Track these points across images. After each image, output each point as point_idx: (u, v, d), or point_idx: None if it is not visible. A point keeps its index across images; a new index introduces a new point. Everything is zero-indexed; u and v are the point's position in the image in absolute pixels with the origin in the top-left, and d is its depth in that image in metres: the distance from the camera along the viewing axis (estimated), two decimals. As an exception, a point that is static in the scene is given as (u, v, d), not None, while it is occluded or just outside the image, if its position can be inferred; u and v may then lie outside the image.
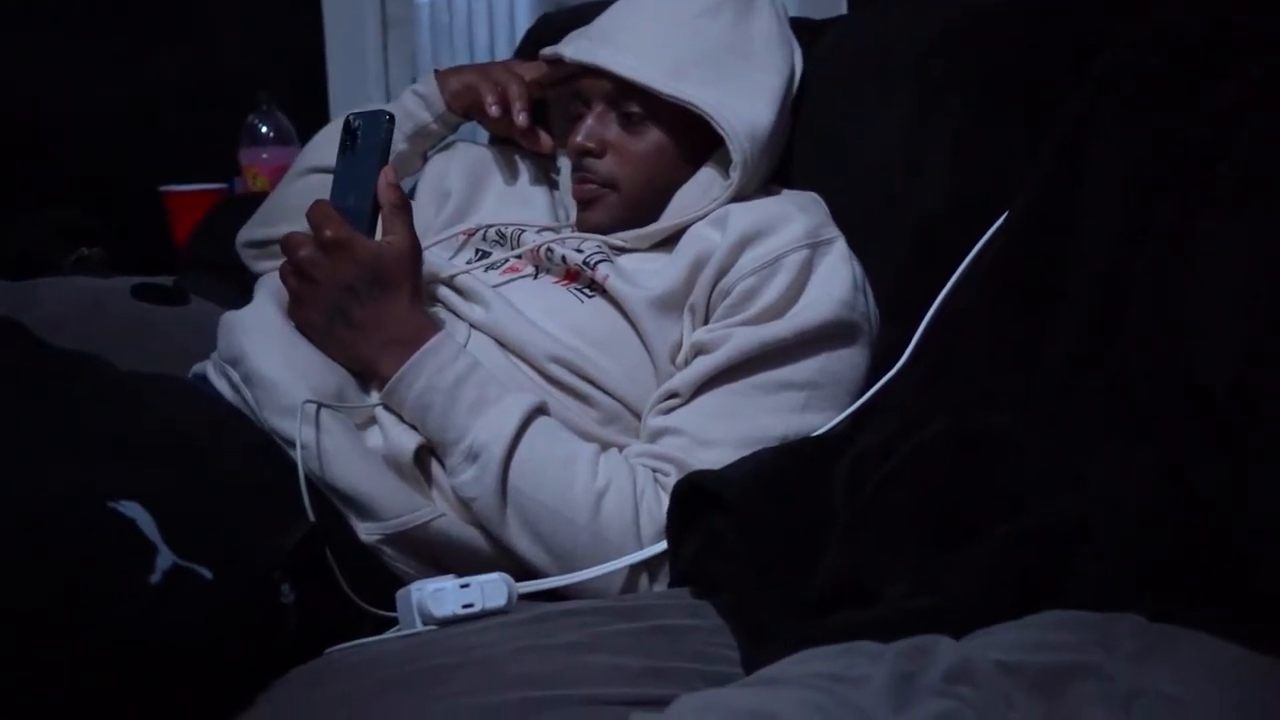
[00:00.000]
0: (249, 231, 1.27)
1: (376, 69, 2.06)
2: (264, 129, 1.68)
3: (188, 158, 1.83)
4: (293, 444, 0.87)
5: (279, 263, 1.23)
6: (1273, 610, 0.68)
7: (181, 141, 1.92)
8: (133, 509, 0.65)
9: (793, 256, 0.97)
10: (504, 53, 1.73)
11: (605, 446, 0.95)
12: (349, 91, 2.07)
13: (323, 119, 2.09)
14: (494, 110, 1.13)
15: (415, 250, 0.95)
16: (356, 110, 1.00)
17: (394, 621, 0.83)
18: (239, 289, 1.34)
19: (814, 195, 1.06)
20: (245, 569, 0.70)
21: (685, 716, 0.58)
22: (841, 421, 0.94)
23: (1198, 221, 0.77)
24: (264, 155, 1.67)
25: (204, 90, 2.00)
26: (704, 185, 1.07)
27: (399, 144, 1.16)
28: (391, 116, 0.96)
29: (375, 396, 0.93)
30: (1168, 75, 0.83)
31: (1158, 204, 0.81)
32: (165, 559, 0.64)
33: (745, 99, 1.06)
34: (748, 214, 1.01)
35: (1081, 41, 0.90)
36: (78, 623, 0.60)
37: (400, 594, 0.81)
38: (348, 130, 0.97)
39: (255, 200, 1.44)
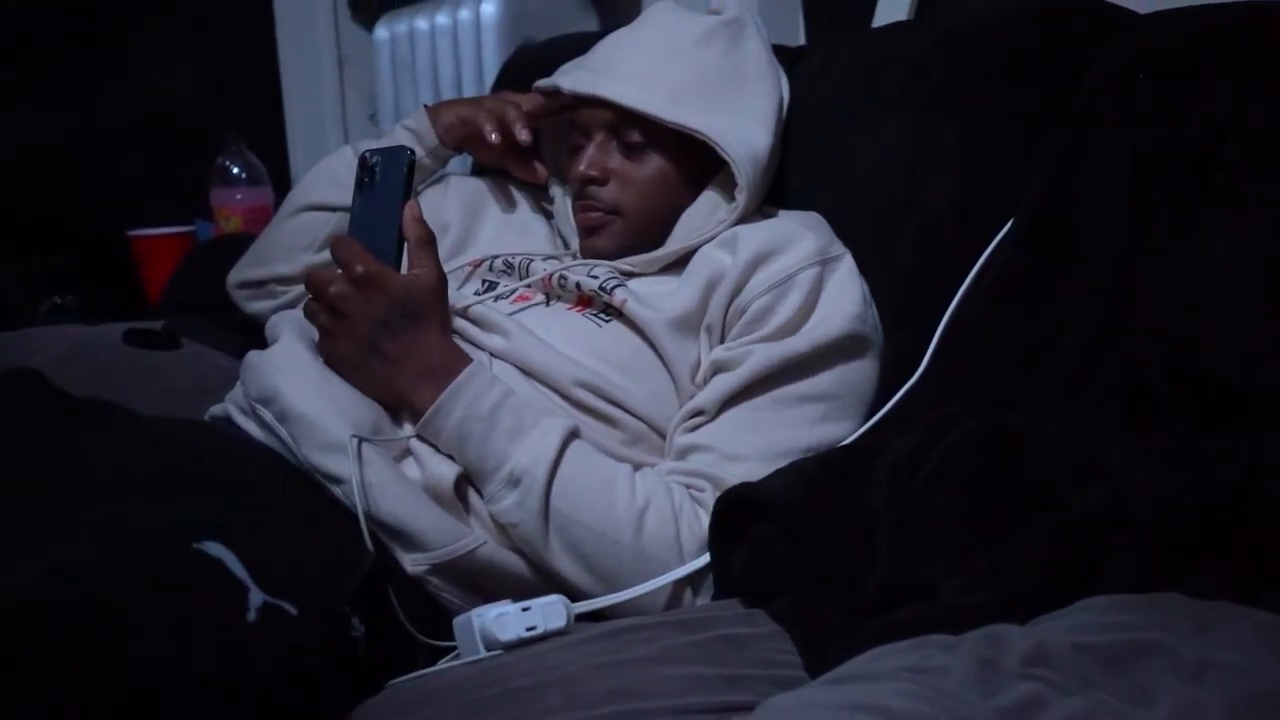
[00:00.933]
0: (241, 272, 1.26)
1: (334, 107, 2.06)
2: (235, 169, 1.67)
3: (146, 200, 1.80)
4: (333, 480, 0.87)
5: (273, 303, 1.23)
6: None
7: (139, 184, 1.89)
8: (217, 549, 0.65)
9: (804, 274, 1.01)
10: (470, 88, 1.74)
11: (636, 467, 0.97)
12: (307, 129, 2.06)
13: (282, 157, 2.08)
14: (494, 137, 1.15)
15: (443, 282, 0.96)
16: (371, 147, 1.01)
17: (447, 651, 0.84)
18: (231, 330, 1.33)
19: (816, 215, 1.10)
20: (323, 603, 0.70)
21: (788, 715, 0.60)
22: (867, 430, 0.97)
23: (1196, 219, 0.83)
24: (237, 196, 1.65)
25: (159, 132, 1.97)
26: (708, 208, 1.11)
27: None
28: (413, 151, 0.97)
29: (409, 428, 0.94)
30: (1161, 85, 0.89)
31: (1157, 206, 0.87)
32: (257, 597, 0.64)
33: (744, 123, 1.10)
34: (757, 235, 1.04)
35: (1073, 56, 0.96)
36: (180, 666, 0.59)
37: (459, 621, 0.82)
38: (364, 167, 0.98)
39: (237, 241, 1.43)
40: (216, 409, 1.00)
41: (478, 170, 1.34)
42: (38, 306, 1.47)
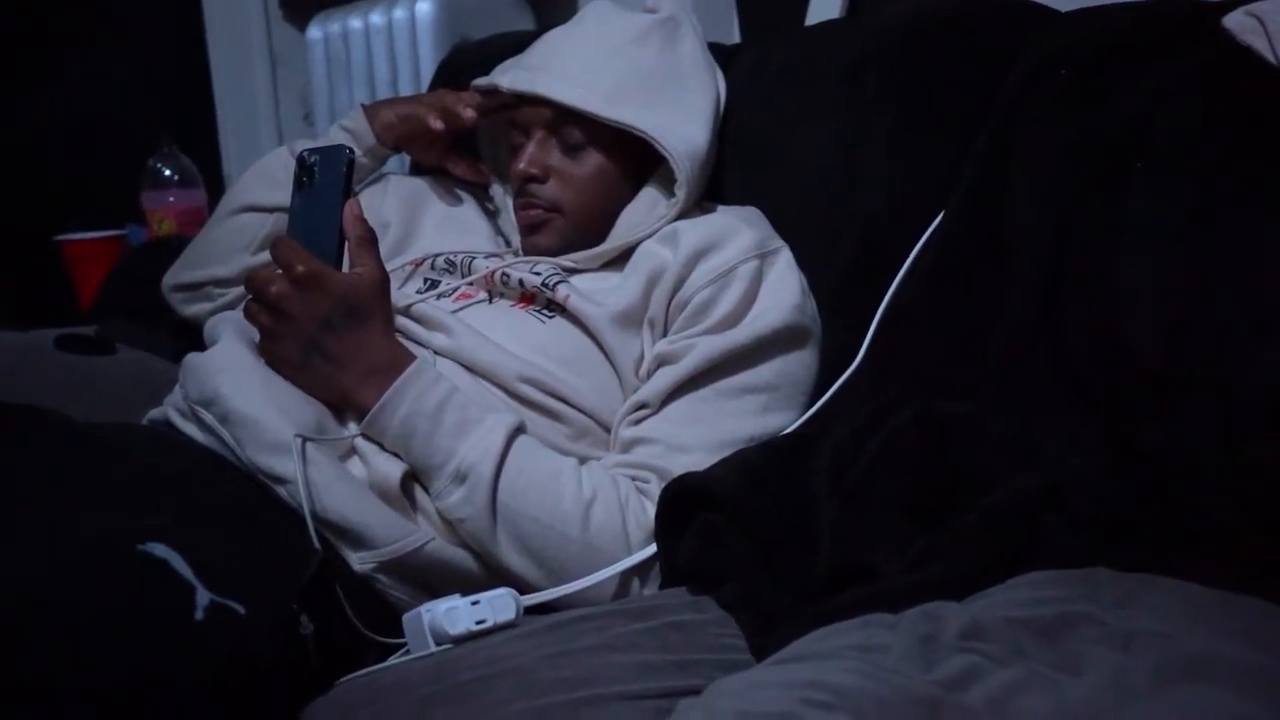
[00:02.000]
0: (177, 275, 1.25)
1: (267, 107, 2.03)
2: (167, 172, 1.64)
3: (77, 203, 1.77)
4: (278, 480, 0.86)
5: (210, 305, 1.22)
6: (1218, 550, 0.76)
7: (70, 188, 1.85)
8: (162, 550, 0.64)
9: (744, 267, 1.03)
10: (407, 87, 1.73)
11: (582, 460, 0.98)
12: (240, 130, 2.04)
13: (215, 158, 2.05)
14: (437, 124, 1.15)
15: (385, 280, 0.96)
16: (310, 146, 1.01)
17: (397, 649, 0.84)
18: (166, 334, 1.31)
19: (755, 209, 1.12)
20: (270, 602, 0.70)
21: (741, 695, 0.62)
22: (808, 419, 0.99)
23: (1118, 208, 0.86)
24: (170, 198, 1.63)
25: (89, 135, 1.93)
26: (648, 205, 1.12)
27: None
28: (352, 150, 0.96)
29: (353, 427, 0.93)
30: (1081, 78, 0.92)
31: (1082, 195, 0.90)
32: (204, 596, 0.63)
33: (683, 120, 1.11)
34: (697, 229, 1.06)
35: (999, 53, 0.99)
36: (130, 668, 0.59)
37: (408, 617, 0.82)
38: (303, 166, 0.97)
39: (171, 244, 1.41)
40: (155, 413, 0.98)
41: (417, 171, 1.34)
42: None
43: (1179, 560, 0.75)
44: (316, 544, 0.81)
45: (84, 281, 1.60)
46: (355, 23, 1.82)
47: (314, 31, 1.89)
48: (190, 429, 0.93)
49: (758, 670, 0.66)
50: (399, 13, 1.73)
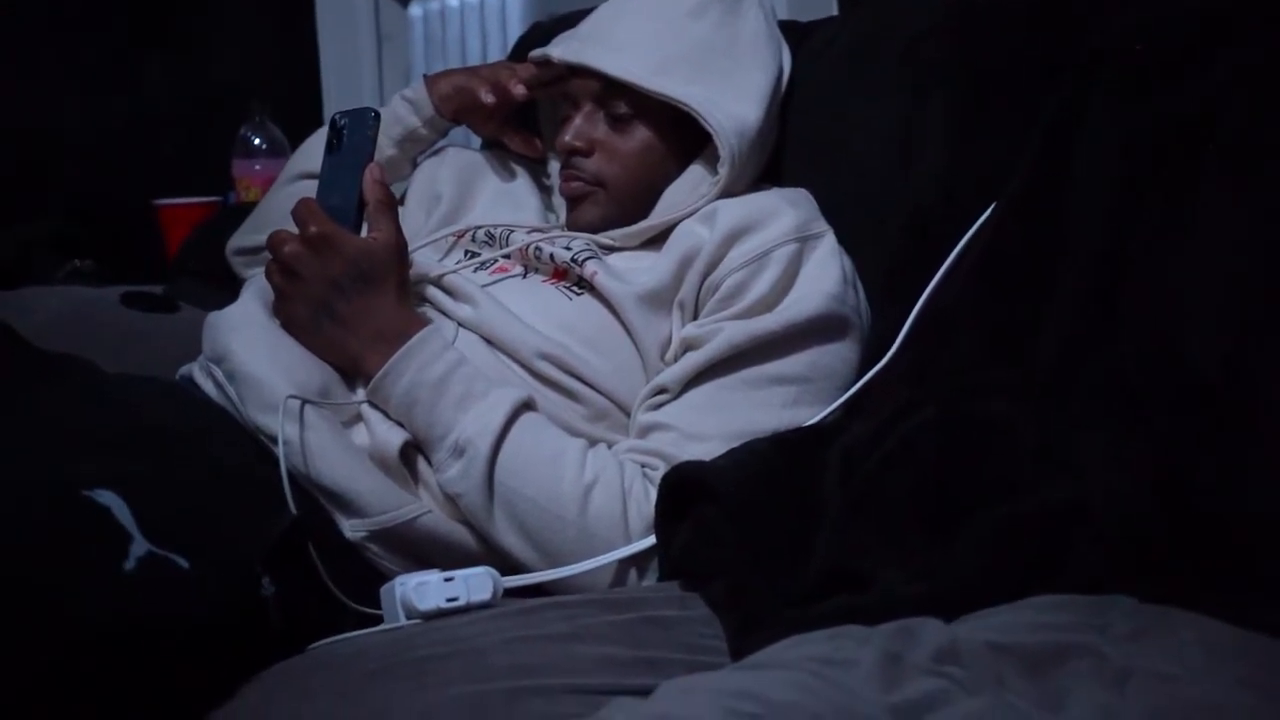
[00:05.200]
0: (238, 239, 1.27)
1: (371, 83, 2.07)
2: (256, 140, 1.68)
3: (183, 171, 1.83)
4: (274, 440, 0.86)
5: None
6: (1270, 594, 0.67)
7: (176, 155, 1.92)
8: (107, 497, 0.64)
9: (781, 250, 0.97)
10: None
11: (594, 443, 0.94)
12: (344, 104, 2.07)
13: (318, 134, 2.10)
14: (488, 98, 1.13)
15: (401, 246, 0.94)
16: (343, 109, 1.00)
17: (379, 619, 0.82)
18: (229, 297, 1.34)
19: (803, 191, 1.06)
20: (224, 560, 0.69)
21: (670, 699, 0.57)
22: (832, 413, 0.93)
23: (1187, 206, 0.77)
24: (256, 166, 1.67)
25: (199, 104, 2.00)
26: (692, 183, 1.07)
27: (388, 149, 1.16)
28: (377, 113, 0.95)
29: (361, 394, 0.92)
30: (1153, 63, 0.83)
31: (1147, 189, 0.81)
32: (140, 546, 0.63)
33: (732, 96, 1.06)
34: (736, 209, 1.00)
35: (1067, 32, 0.90)
36: (46, 609, 0.59)
37: (384, 589, 0.80)
38: (334, 129, 0.97)
39: (247, 211, 1.44)
40: (185, 369, 1.00)
41: (483, 143, 1.32)
42: (57, 270, 1.50)
43: (1217, 599, 0.66)
44: (293, 506, 0.79)
45: (176, 245, 1.65)
46: (453, 1, 1.83)
47: (415, 9, 1.91)
48: (207, 386, 0.93)
49: (706, 675, 0.61)
50: (493, -11, 1.73)
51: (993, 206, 0.91)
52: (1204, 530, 0.70)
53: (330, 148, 0.97)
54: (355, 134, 0.95)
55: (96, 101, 1.95)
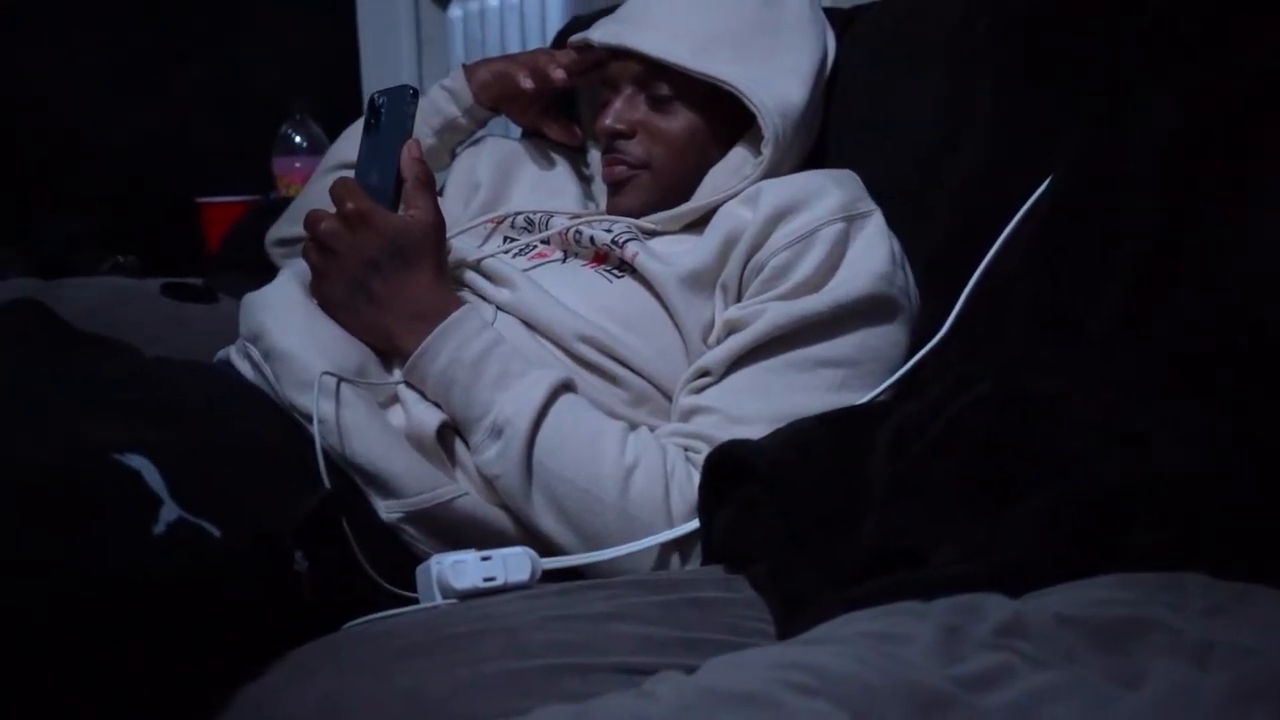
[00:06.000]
0: (277, 230, 1.26)
1: (411, 83, 2.07)
2: (297, 138, 1.69)
3: (226, 170, 1.85)
4: (309, 419, 0.84)
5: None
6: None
7: (219, 154, 1.94)
8: (138, 461, 0.63)
9: (828, 230, 0.94)
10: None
11: (635, 427, 0.92)
12: (384, 107, 2.08)
13: (357, 134, 2.11)
14: (527, 83, 1.11)
15: (439, 224, 0.93)
16: (381, 89, 0.99)
17: (414, 602, 0.80)
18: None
19: (849, 171, 1.03)
20: (256, 531, 0.67)
21: (717, 672, 0.54)
22: (881, 394, 0.90)
23: (1255, 162, 0.73)
24: (297, 164, 1.67)
25: (241, 104, 2.02)
26: (736, 165, 1.05)
27: (427, 139, 1.15)
28: (416, 91, 0.94)
29: (398, 375, 0.90)
30: (1210, 30, 0.80)
31: (1207, 157, 0.77)
32: (171, 511, 0.61)
33: (776, 76, 1.04)
34: (781, 189, 0.98)
35: (1123, 3, 0.87)
36: (73, 567, 0.57)
37: (420, 569, 0.78)
38: (372, 109, 0.96)
39: (287, 204, 1.44)
40: (221, 353, 0.99)
41: (523, 132, 1.31)
42: (99, 265, 1.51)
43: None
44: (327, 482, 0.78)
45: (218, 242, 1.66)
46: (492, 1, 1.83)
47: (455, 10, 1.92)
48: (244, 367, 0.92)
49: (755, 650, 0.58)
50: (531, -12, 1.73)
51: (1048, 180, 0.88)
52: (1274, 504, 0.66)
53: (368, 128, 0.96)
54: (393, 112, 0.94)
55: (141, 100, 1.97)
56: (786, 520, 0.74)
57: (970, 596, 0.59)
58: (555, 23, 1.70)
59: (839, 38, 1.12)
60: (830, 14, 1.15)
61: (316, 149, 1.66)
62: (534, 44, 1.74)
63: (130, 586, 0.58)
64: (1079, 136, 0.86)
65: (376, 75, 2.04)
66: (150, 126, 1.96)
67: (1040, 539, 0.67)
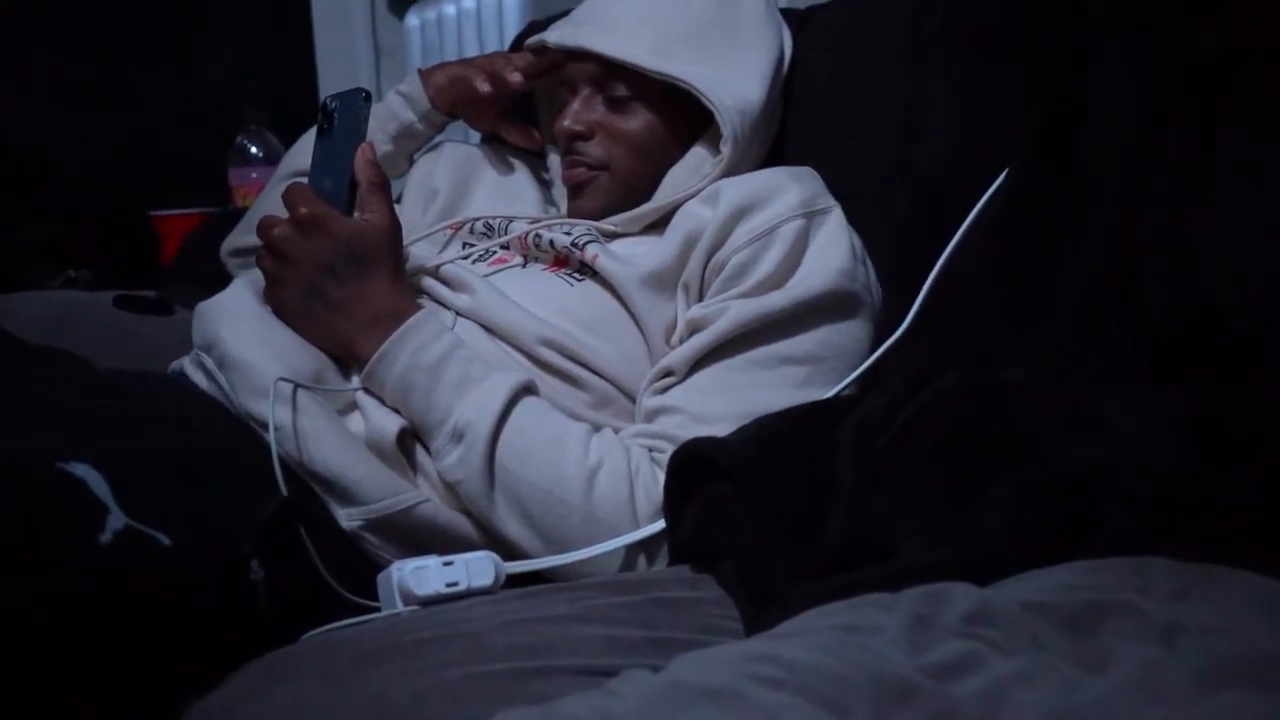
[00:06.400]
0: (233, 240, 1.24)
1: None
2: (253, 149, 1.66)
3: (181, 183, 1.82)
4: (265, 427, 0.82)
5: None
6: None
7: (174, 167, 1.91)
8: (83, 469, 0.61)
9: (788, 226, 0.94)
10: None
11: (598, 429, 0.91)
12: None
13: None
14: (484, 87, 1.10)
15: (395, 228, 0.91)
16: (334, 93, 0.97)
17: (375, 610, 0.78)
18: (224, 297, 1.31)
19: (808, 168, 1.03)
20: (209, 539, 0.65)
21: (684, 667, 0.53)
22: (845, 389, 0.89)
23: (1211, 146, 0.74)
24: (253, 175, 1.65)
25: (197, 117, 1.99)
26: (695, 164, 1.04)
27: (383, 145, 1.14)
28: (368, 93, 0.93)
29: (356, 381, 0.89)
30: (1167, 7, 0.80)
31: (1165, 137, 0.77)
32: (117, 519, 0.59)
33: (734, 75, 1.03)
34: (740, 187, 0.97)
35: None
36: (13, 580, 0.55)
37: (381, 576, 0.76)
38: (324, 113, 0.94)
39: (243, 215, 1.42)
40: (175, 364, 0.96)
41: (481, 137, 1.30)
42: (51, 279, 1.48)
43: (1259, 553, 0.62)
44: (284, 490, 0.76)
45: (172, 255, 1.63)
46: (449, 8, 1.82)
47: (412, 19, 1.90)
48: (198, 377, 0.90)
49: (722, 646, 0.57)
50: (488, -5, 1.72)
51: (1005, 172, 0.88)
52: (1242, 484, 0.66)
53: (321, 132, 0.94)
54: (346, 116, 0.93)
55: (94, 113, 1.94)
56: (753, 516, 0.73)
57: (937, 586, 0.59)
58: (513, 30, 1.69)
59: (794, 37, 1.12)
60: (786, 14, 1.15)
61: (273, 159, 1.64)
62: (492, 49, 1.73)
63: (75, 598, 0.56)
64: (1036, 124, 0.86)
65: (334, 85, 2.01)
66: (105, 139, 1.92)
67: (1007, 527, 0.67)
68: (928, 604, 0.57)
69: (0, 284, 1.33)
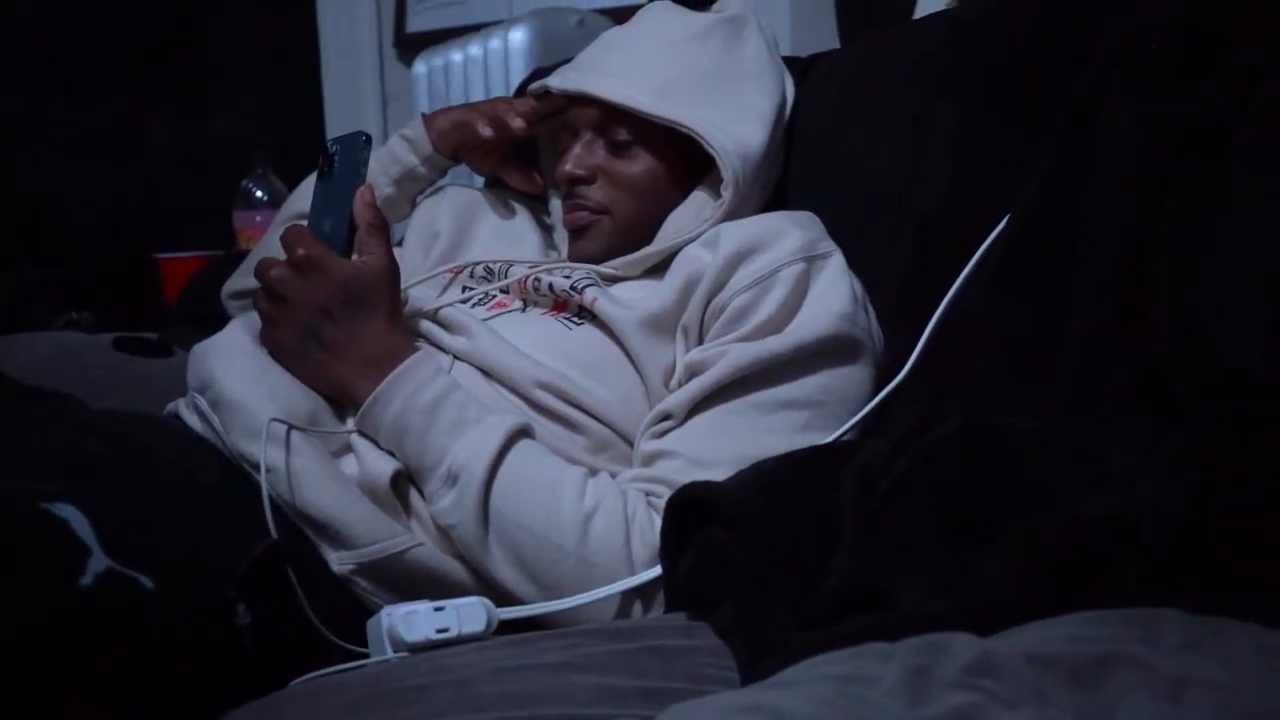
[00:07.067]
0: (233, 283, 1.24)
1: (377, 143, 2.07)
2: (258, 192, 1.67)
3: (186, 226, 1.83)
4: (258, 468, 0.81)
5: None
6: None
7: (181, 209, 1.92)
8: (66, 510, 0.59)
9: (788, 270, 0.93)
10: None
11: (595, 473, 0.89)
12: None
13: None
14: (486, 131, 1.11)
15: (392, 270, 0.91)
16: (335, 136, 0.98)
17: (364, 656, 0.76)
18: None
19: (809, 213, 1.02)
20: (193, 583, 0.64)
21: (677, 718, 0.51)
22: (846, 433, 0.88)
23: (1214, 196, 0.73)
24: (258, 218, 1.65)
25: (204, 162, 2.00)
26: (696, 208, 1.04)
27: (385, 188, 1.14)
28: (368, 136, 0.93)
29: (351, 423, 0.88)
30: (1170, 60, 0.80)
31: (1168, 187, 0.77)
32: (99, 562, 0.58)
33: (735, 119, 1.04)
34: (740, 230, 0.97)
35: (1080, 33, 0.87)
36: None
37: (371, 622, 0.75)
38: (325, 156, 0.94)
39: (244, 258, 1.42)
40: (171, 406, 0.96)
41: (485, 181, 1.30)
42: (53, 320, 1.48)
43: (1271, 607, 0.60)
44: (274, 532, 0.75)
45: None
46: (456, 56, 1.84)
47: (419, 66, 1.92)
48: (192, 419, 0.89)
49: (717, 695, 0.56)
50: (494, 43, 1.73)
51: (1006, 218, 0.87)
52: (1254, 536, 0.64)
53: (321, 175, 0.94)
54: (346, 159, 0.93)
55: (103, 160, 1.95)
56: (752, 563, 0.72)
57: (938, 635, 0.57)
58: (519, 77, 1.70)
59: (797, 84, 1.13)
60: (789, 62, 1.16)
61: (277, 203, 1.65)
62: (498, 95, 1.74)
63: (54, 643, 0.55)
64: (1040, 169, 0.85)
65: (341, 130, 2.03)
66: (113, 183, 1.94)
67: (1010, 576, 0.65)
68: (927, 654, 0.55)
69: (2, 324, 1.33)
